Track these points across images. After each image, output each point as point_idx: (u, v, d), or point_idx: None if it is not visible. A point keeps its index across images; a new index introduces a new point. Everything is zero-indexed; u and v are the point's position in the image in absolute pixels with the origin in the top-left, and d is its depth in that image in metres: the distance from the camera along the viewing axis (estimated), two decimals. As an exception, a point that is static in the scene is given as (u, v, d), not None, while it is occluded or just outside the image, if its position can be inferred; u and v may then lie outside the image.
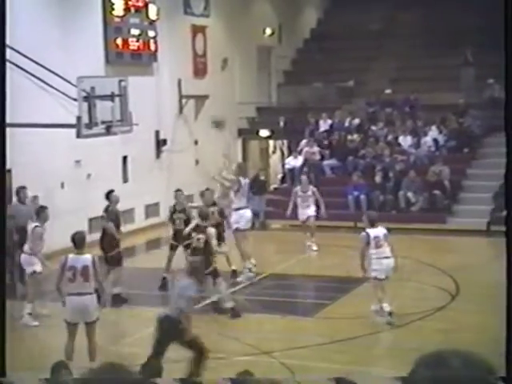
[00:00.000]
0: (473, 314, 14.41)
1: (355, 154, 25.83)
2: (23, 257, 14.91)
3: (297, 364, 11.94)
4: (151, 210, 24.33)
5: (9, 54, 12.83)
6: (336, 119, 27.78)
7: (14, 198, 17.60)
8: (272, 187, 27.99)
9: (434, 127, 26.07)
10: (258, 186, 24.63)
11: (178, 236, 16.87)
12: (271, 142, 31.93)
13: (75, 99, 15.99)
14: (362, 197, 23.94)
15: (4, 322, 5.17)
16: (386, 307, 13.98)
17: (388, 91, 29.04)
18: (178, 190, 17.67)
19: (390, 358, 12.71)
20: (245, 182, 18.08)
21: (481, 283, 16.37)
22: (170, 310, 11.09)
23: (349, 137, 26.70)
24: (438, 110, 26.46)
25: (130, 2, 23.12)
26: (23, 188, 17.62)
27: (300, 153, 26.48)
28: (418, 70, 29.18)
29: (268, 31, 31.42)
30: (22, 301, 14.88)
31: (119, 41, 22.78)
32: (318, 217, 20.53)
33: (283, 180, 27.11)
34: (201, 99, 26.58)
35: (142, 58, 23.85)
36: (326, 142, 26.89)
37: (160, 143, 24.94)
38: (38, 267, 14.52)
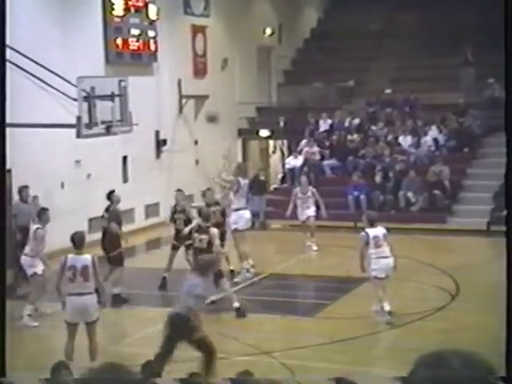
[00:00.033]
0: (473, 313, 14.41)
1: (355, 154, 25.83)
2: (24, 259, 14.91)
3: (297, 364, 11.94)
4: (151, 210, 24.33)
5: (9, 54, 12.82)
6: (336, 119, 27.78)
7: (16, 197, 17.61)
8: (272, 187, 27.99)
9: (434, 127, 26.07)
10: (257, 186, 24.62)
11: (178, 236, 16.90)
12: (271, 142, 31.92)
13: (75, 99, 15.98)
14: (362, 197, 23.94)
15: (4, 322, 5.17)
16: (386, 306, 13.98)
17: (388, 91, 29.05)
18: (178, 190, 17.69)
19: (390, 358, 12.70)
20: (244, 182, 18.08)
21: (481, 283, 16.36)
22: (179, 308, 11.06)
23: (349, 137, 26.70)
24: (438, 109, 26.46)
25: (129, 2, 23.12)
26: (25, 187, 17.64)
27: (300, 153, 26.48)
28: (418, 70, 29.18)
29: (268, 31, 31.41)
30: (22, 301, 14.88)
31: (119, 41, 22.78)
32: (317, 217, 20.54)
33: (283, 180, 27.12)
34: (201, 99, 26.58)
35: (142, 58, 23.85)
36: (326, 142, 26.89)
37: (160, 143, 24.94)
38: (39, 269, 14.53)
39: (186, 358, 11.18)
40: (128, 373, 2.85)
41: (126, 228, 17.05)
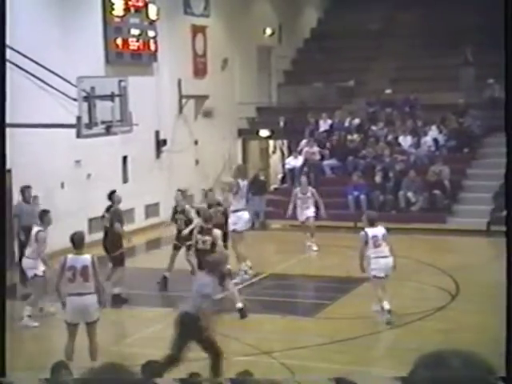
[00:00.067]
0: (473, 313, 14.41)
1: (355, 154, 25.83)
2: (25, 261, 14.91)
3: (297, 364, 11.94)
4: (151, 210, 24.33)
5: (9, 54, 12.82)
6: (336, 119, 27.78)
7: (19, 198, 17.58)
8: (272, 187, 27.98)
9: (433, 127, 26.08)
10: (257, 186, 24.62)
11: (180, 236, 16.93)
12: (271, 142, 31.92)
13: (75, 99, 15.98)
14: (362, 197, 23.94)
15: (4, 322, 5.17)
16: (386, 305, 13.99)
17: (388, 91, 29.05)
18: (178, 190, 17.70)
19: (390, 358, 12.70)
20: (243, 184, 18.09)
21: (481, 283, 16.37)
22: (189, 307, 11.04)
23: (349, 137, 26.71)
24: (438, 109, 26.46)
25: (129, 2, 23.12)
26: (28, 187, 17.62)
27: (300, 153, 26.48)
28: (418, 70, 29.18)
29: (268, 31, 31.41)
30: (24, 301, 14.90)
31: (119, 41, 22.78)
32: (317, 217, 20.55)
33: (283, 180, 27.11)
34: (201, 99, 26.58)
35: (142, 58, 23.85)
36: (326, 142, 26.89)
37: (160, 143, 24.94)
38: (40, 270, 14.53)
39: (187, 357, 11.16)
40: (128, 373, 2.85)
41: (126, 228, 17.05)
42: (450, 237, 22.20)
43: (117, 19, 22.67)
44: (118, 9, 22.69)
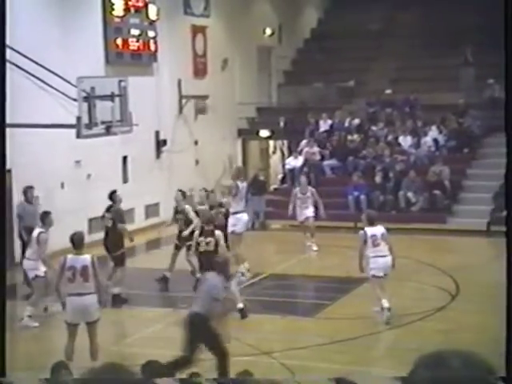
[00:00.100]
0: (473, 314, 14.41)
1: (355, 154, 25.83)
2: (26, 262, 14.90)
3: (297, 364, 11.93)
4: (151, 210, 24.32)
5: (9, 54, 12.83)
6: (336, 119, 27.78)
7: (21, 198, 17.56)
8: (272, 187, 27.98)
9: (433, 127, 26.08)
10: (257, 187, 24.62)
11: (180, 236, 16.95)
12: (271, 143, 31.92)
13: (75, 99, 15.98)
14: (362, 197, 23.94)
15: (4, 322, 5.17)
16: (385, 303, 14.00)
17: (388, 91, 29.04)
18: (179, 190, 17.71)
19: (390, 358, 12.71)
20: (242, 185, 18.11)
21: (481, 283, 16.36)
22: (198, 308, 11.01)
23: (349, 137, 26.71)
24: (438, 110, 26.46)
25: (129, 2, 23.12)
26: (30, 188, 17.60)
27: (300, 153, 26.48)
28: (418, 70, 29.19)
29: (268, 31, 31.41)
30: (25, 301, 14.91)
31: (119, 41, 22.78)
32: (316, 217, 20.55)
33: (283, 180, 27.10)
34: (201, 99, 26.57)
35: (142, 58, 23.85)
36: (326, 143, 26.89)
37: (160, 143, 24.94)
38: (41, 271, 14.53)
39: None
40: (128, 373, 2.85)
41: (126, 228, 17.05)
42: (450, 237, 22.20)
43: (117, 19, 22.67)
44: (118, 9, 22.69)
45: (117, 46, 22.70)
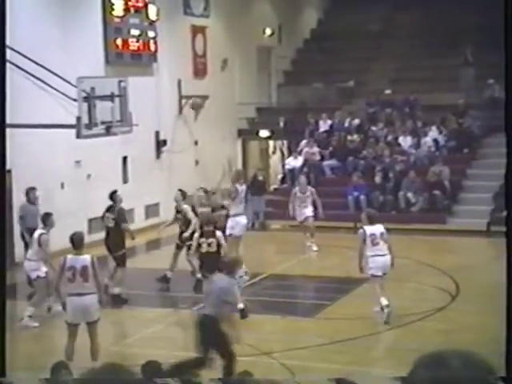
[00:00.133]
0: (473, 314, 14.41)
1: (355, 155, 25.83)
2: (27, 263, 14.90)
3: (297, 364, 11.93)
4: (151, 210, 24.32)
5: (9, 54, 12.83)
6: (336, 120, 27.78)
7: (24, 199, 17.54)
8: (272, 188, 27.98)
9: (433, 127, 26.08)
10: (256, 187, 24.62)
11: (181, 236, 16.97)
12: (271, 143, 31.93)
13: (75, 100, 15.98)
14: (362, 197, 23.93)
15: (4, 322, 5.17)
16: (384, 301, 14.01)
17: (388, 92, 29.04)
18: (179, 190, 17.72)
19: (390, 358, 12.70)
20: (241, 188, 18.15)
21: (481, 284, 16.36)
22: (208, 310, 10.99)
23: (349, 137, 26.70)
24: (438, 110, 26.46)
25: (129, 3, 23.12)
26: (33, 189, 17.56)
27: (300, 153, 26.48)
28: (418, 71, 29.19)
29: (268, 31, 31.42)
30: (23, 301, 14.91)
31: (119, 41, 22.78)
32: (315, 217, 20.56)
33: (283, 180, 27.10)
34: (201, 99, 26.56)
35: (142, 59, 23.86)
36: (326, 143, 26.89)
37: (160, 144, 24.94)
38: (42, 272, 14.54)
39: (188, 358, 11.16)
40: (128, 373, 2.85)
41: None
42: (450, 237, 22.20)
43: (117, 19, 22.68)
44: (118, 9, 22.70)
45: (117, 46, 22.70)
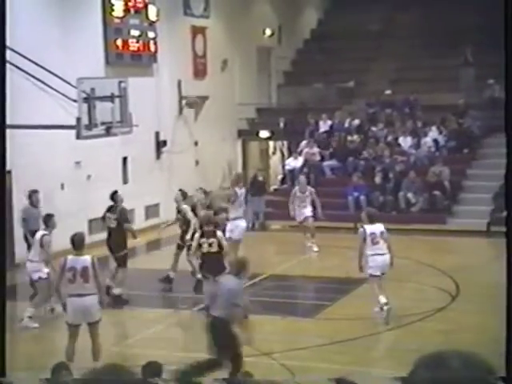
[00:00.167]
0: (473, 314, 14.41)
1: (355, 155, 25.83)
2: (29, 264, 14.89)
3: (297, 365, 11.93)
4: (151, 210, 24.32)
5: (9, 55, 12.83)
6: (336, 120, 27.78)
7: (27, 202, 17.50)
8: (272, 188, 27.98)
9: (433, 128, 26.08)
10: (256, 187, 24.64)
11: (183, 236, 16.99)
12: (271, 143, 31.92)
13: (75, 100, 15.99)
14: (362, 198, 23.93)
15: (4, 322, 5.17)
16: (382, 299, 14.02)
17: (388, 92, 29.03)
18: (179, 190, 17.73)
19: (390, 358, 12.70)
20: (241, 192, 18.19)
21: (481, 284, 16.37)
22: (219, 312, 10.97)
23: (349, 138, 26.71)
24: (438, 110, 26.46)
25: (129, 3, 23.13)
26: (35, 192, 17.51)
27: (300, 154, 26.48)
28: (418, 71, 29.20)
29: (268, 32, 31.42)
30: (23, 302, 14.91)
31: (119, 42, 22.78)
32: (314, 217, 20.56)
33: (283, 181, 27.10)
34: (201, 100, 26.58)
35: (142, 59, 23.86)
36: (326, 143, 26.89)
37: (160, 144, 24.94)
38: (44, 273, 14.53)
39: (189, 358, 11.17)
40: (129, 373, 2.86)
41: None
42: (450, 237, 22.20)
43: (117, 20, 22.68)
44: (118, 10, 22.71)
45: (117, 46, 22.71)
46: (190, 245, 15.85)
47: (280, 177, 28.19)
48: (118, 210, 16.34)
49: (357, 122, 27.54)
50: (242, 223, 18.08)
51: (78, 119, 15.42)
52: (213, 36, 27.39)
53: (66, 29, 20.93)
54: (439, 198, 23.56)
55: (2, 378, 5.11)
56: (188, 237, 16.55)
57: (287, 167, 26.58)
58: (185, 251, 16.88)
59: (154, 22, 23.98)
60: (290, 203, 20.73)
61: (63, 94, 17.57)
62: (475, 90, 27.04)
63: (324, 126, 27.78)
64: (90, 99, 15.54)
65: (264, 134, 29.13)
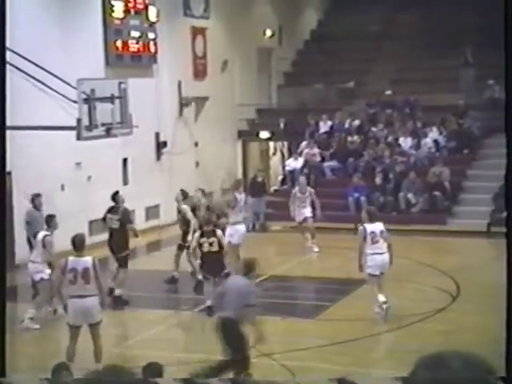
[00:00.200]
0: (473, 315, 14.41)
1: (355, 156, 25.83)
2: (30, 265, 14.89)
3: (297, 366, 11.93)
4: (151, 212, 24.32)
5: (9, 56, 12.83)
6: (336, 120, 27.78)
7: (30, 205, 17.46)
8: (272, 189, 27.97)
9: (434, 128, 26.08)
10: (256, 188, 24.65)
11: (184, 237, 17.01)
12: (271, 144, 31.91)
13: (75, 101, 16.00)
14: (363, 198, 23.92)
15: (4, 322, 5.17)
16: (381, 297, 14.01)
17: (388, 92, 29.03)
18: (180, 190, 17.75)
19: (391, 359, 12.70)
20: (241, 197, 18.24)
21: (481, 284, 16.36)
22: (230, 313, 10.96)
23: (349, 138, 26.72)
24: (438, 111, 26.46)
25: (129, 4, 23.13)
26: (38, 195, 17.47)
27: (300, 154, 26.48)
28: (418, 71, 29.20)
29: (268, 33, 31.41)
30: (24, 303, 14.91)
31: (119, 43, 22.79)
32: (314, 218, 20.57)
33: (283, 182, 27.10)
34: (201, 101, 26.58)
35: (142, 60, 23.86)
36: (326, 144, 26.89)
37: (160, 145, 24.94)
38: (46, 274, 14.53)
39: (189, 359, 11.17)
40: (129, 374, 2.86)
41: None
42: (450, 238, 22.20)
43: (117, 21, 22.69)
44: (118, 11, 22.71)
45: (117, 47, 22.71)
46: (189, 246, 15.88)
47: (280, 177, 28.20)
48: (120, 211, 16.35)
49: (357, 122, 27.54)
50: (242, 228, 18.14)
51: (78, 120, 15.43)
52: (213, 37, 27.40)
53: (66, 30, 20.94)
54: (439, 199, 23.56)
55: (2, 379, 5.12)
56: (190, 237, 16.57)
57: (287, 168, 26.58)
58: (185, 252, 16.89)
59: (154, 23, 23.99)
60: (290, 204, 20.75)
61: (63, 95, 17.58)
62: (475, 91, 27.03)
63: (324, 126, 27.77)
64: (90, 100, 15.56)
65: (264, 134, 29.13)
